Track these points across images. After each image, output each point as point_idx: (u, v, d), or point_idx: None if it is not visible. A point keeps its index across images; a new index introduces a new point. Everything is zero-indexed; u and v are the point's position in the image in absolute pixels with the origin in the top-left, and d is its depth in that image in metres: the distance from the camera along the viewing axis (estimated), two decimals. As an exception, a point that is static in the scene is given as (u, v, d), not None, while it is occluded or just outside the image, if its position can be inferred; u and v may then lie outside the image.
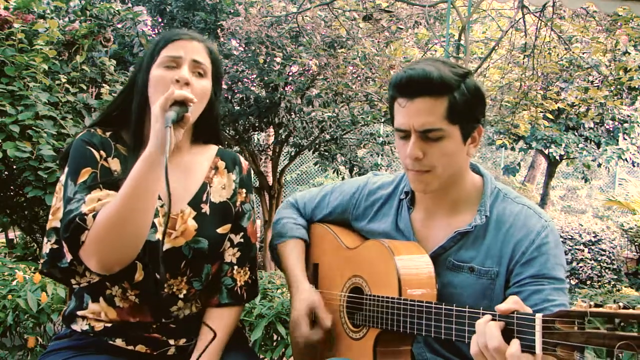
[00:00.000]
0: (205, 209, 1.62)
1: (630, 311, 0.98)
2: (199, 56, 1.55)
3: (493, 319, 1.22)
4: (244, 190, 1.71)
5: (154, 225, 1.51)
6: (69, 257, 1.47)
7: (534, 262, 1.45)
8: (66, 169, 1.54)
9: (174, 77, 1.49)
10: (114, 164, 1.55)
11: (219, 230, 1.63)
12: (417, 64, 1.46)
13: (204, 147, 1.71)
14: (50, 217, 1.56)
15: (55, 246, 1.53)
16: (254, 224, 1.74)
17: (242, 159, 1.76)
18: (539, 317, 1.14)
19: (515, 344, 1.16)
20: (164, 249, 1.53)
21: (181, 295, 1.58)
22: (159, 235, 1.52)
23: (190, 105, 1.41)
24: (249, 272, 1.69)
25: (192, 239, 1.57)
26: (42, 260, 1.56)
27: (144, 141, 1.52)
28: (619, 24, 5.19)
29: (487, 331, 1.19)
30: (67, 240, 1.41)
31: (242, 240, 1.68)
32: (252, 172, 1.84)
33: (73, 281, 1.56)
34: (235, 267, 1.67)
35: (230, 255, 1.67)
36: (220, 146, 1.75)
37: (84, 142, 1.54)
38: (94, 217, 1.39)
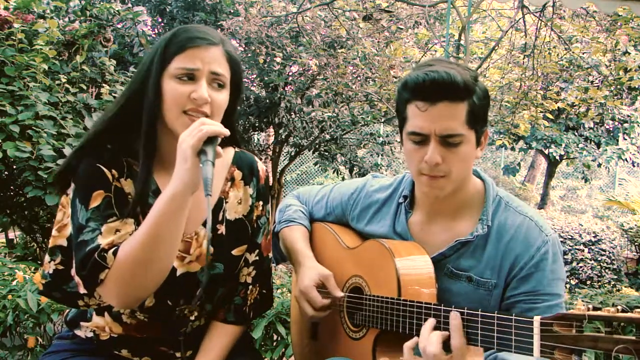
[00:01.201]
0: (221, 229, 1.51)
1: (629, 315, 0.98)
2: (218, 66, 1.39)
3: (437, 327, 1.31)
4: (261, 203, 1.60)
5: None
6: (82, 289, 1.35)
7: (531, 278, 1.44)
8: (73, 185, 1.41)
9: (190, 94, 1.35)
10: (127, 186, 1.41)
11: (235, 252, 1.53)
12: (433, 65, 1.40)
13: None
14: (54, 233, 1.45)
15: (60, 267, 1.43)
16: (268, 236, 1.64)
17: (259, 164, 1.63)
18: (537, 319, 1.14)
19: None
20: (177, 274, 1.44)
21: (192, 317, 1.52)
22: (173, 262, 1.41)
23: (222, 137, 1.29)
24: (258, 288, 1.60)
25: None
26: (43, 281, 1.47)
27: (155, 153, 1.42)
28: (619, 24, 5.19)
29: (430, 338, 1.29)
30: (84, 278, 1.31)
31: (257, 258, 1.59)
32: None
33: (81, 302, 1.47)
34: (250, 287, 1.59)
35: (245, 275, 1.58)
36: (236, 148, 1.61)
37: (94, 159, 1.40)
38: (114, 254, 1.29)
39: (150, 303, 1.43)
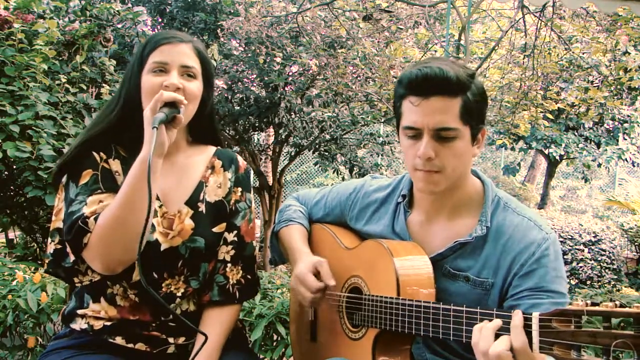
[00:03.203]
0: (202, 207, 1.64)
1: (627, 309, 0.98)
2: (188, 60, 1.56)
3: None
4: (240, 189, 1.72)
5: (152, 226, 1.52)
6: (72, 257, 1.50)
7: (533, 274, 1.43)
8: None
9: (163, 84, 1.51)
10: (115, 165, 1.58)
11: (215, 229, 1.65)
12: (428, 62, 1.43)
13: (201, 147, 1.73)
14: (53, 217, 1.59)
15: (59, 246, 1.57)
16: (250, 223, 1.73)
17: (240, 158, 1.78)
18: (535, 315, 1.14)
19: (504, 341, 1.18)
20: (162, 249, 1.56)
21: (179, 294, 1.60)
22: (156, 236, 1.55)
23: (182, 106, 1.43)
24: (241, 271, 1.69)
25: (188, 238, 1.59)
26: (47, 260, 1.60)
27: (140, 144, 1.52)
28: (619, 24, 5.19)
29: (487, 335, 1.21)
30: (70, 242, 1.45)
31: (235, 238, 1.69)
32: (252, 172, 1.86)
33: (76, 280, 1.59)
34: (229, 265, 1.67)
35: (224, 252, 1.67)
36: (219, 147, 1.76)
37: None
38: (96, 219, 1.42)
39: (137, 276, 1.53)
